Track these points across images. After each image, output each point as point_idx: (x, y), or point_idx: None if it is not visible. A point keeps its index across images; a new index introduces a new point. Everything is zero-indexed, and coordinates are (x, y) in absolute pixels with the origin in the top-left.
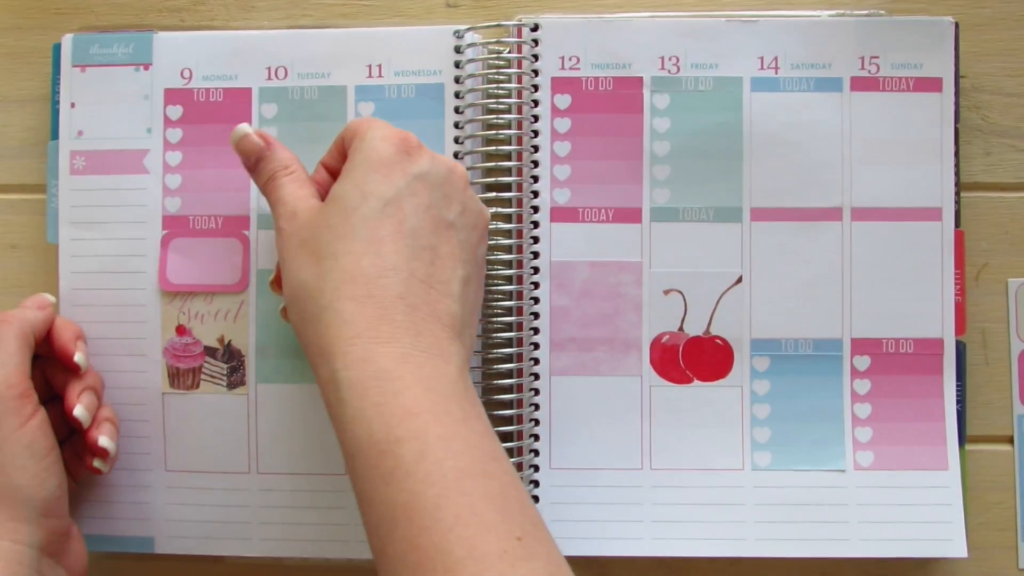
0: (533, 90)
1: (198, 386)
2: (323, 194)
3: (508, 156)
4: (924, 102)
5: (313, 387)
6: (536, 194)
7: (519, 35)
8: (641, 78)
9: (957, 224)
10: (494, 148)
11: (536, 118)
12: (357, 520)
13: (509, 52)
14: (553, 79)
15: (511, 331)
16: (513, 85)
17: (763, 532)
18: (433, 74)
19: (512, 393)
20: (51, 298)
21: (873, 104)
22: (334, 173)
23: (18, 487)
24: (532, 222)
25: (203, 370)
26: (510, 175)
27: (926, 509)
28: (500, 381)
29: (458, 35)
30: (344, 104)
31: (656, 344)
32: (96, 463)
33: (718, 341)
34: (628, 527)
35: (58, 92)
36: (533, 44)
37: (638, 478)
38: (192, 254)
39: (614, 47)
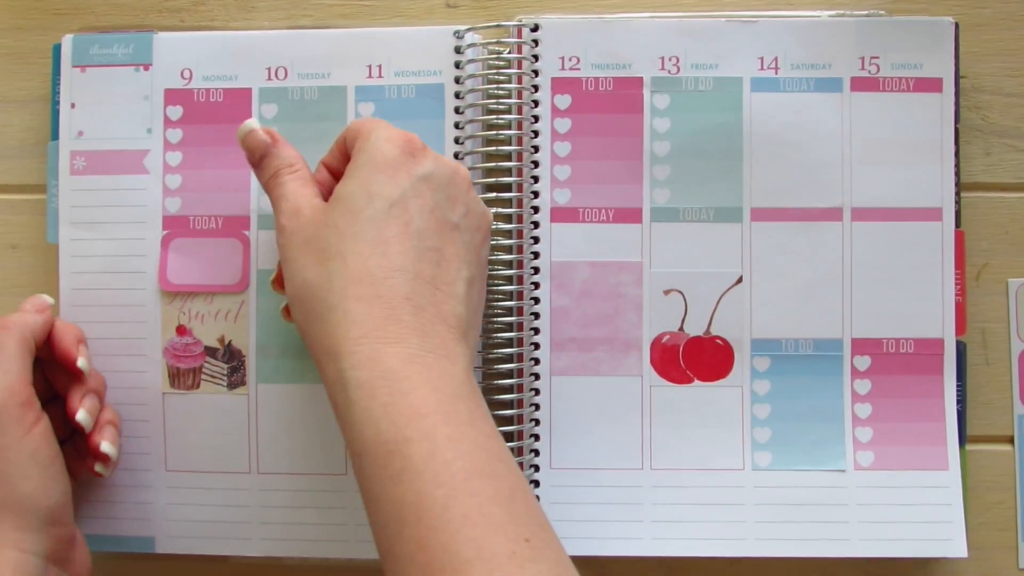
0: (533, 90)
1: (198, 386)
2: (325, 194)
3: (508, 156)
4: (924, 102)
5: (313, 387)
6: (536, 194)
7: (519, 35)
8: (641, 78)
9: (957, 224)
10: (494, 148)
11: (536, 118)
12: (357, 520)
13: (509, 52)
14: (553, 79)
15: (511, 331)
16: (513, 85)
17: (763, 532)
18: (433, 74)
19: (512, 393)
20: (49, 300)
21: (873, 104)
22: (335, 173)
23: (23, 496)
24: (532, 222)
25: (203, 370)
26: (510, 175)
27: (926, 509)
28: (500, 381)
29: (458, 35)
30: (344, 104)
31: (656, 344)
32: (98, 467)
33: (718, 341)
34: (628, 527)
35: (58, 92)
36: (533, 44)
37: (638, 478)
38: (192, 254)
39: (614, 47)
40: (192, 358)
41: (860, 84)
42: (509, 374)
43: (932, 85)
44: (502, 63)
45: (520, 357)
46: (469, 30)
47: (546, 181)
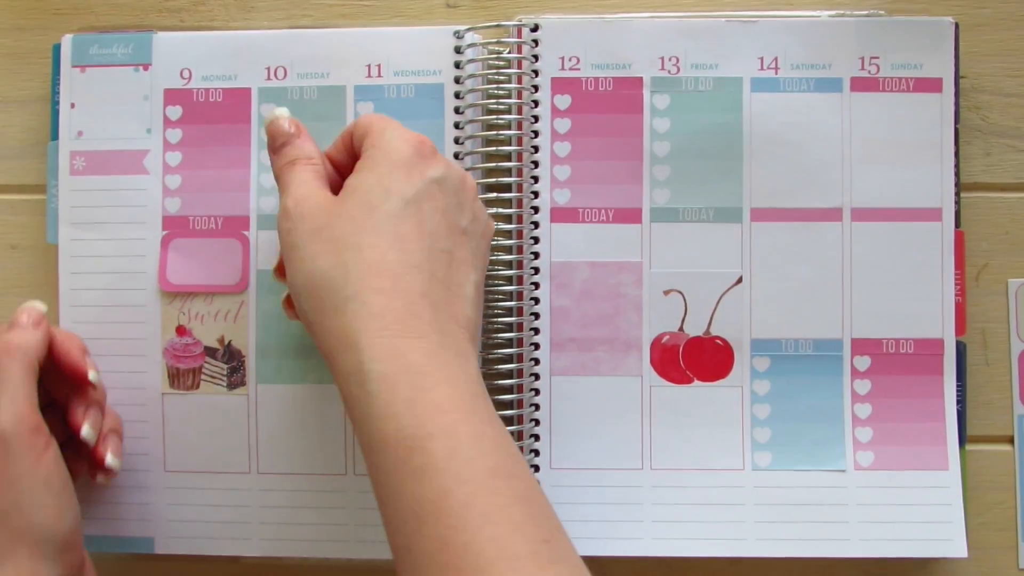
0: (533, 90)
1: (198, 386)
2: (330, 186)
3: (508, 156)
4: (924, 102)
5: (313, 387)
6: (536, 194)
7: (519, 35)
8: (641, 78)
9: (957, 224)
10: (494, 148)
11: (536, 118)
12: (357, 520)
13: (509, 52)
14: (553, 79)
15: (511, 331)
16: (513, 85)
17: (763, 532)
18: (433, 74)
19: (512, 393)
20: (43, 307)
21: (873, 104)
22: (338, 165)
23: (38, 526)
24: (532, 222)
25: (203, 370)
26: (510, 175)
27: (926, 509)
28: (500, 381)
29: (458, 35)
30: (343, 104)
31: (656, 344)
32: (100, 479)
33: (718, 341)
34: (628, 527)
35: (58, 92)
36: (533, 44)
37: (638, 478)
38: (192, 254)
39: (614, 47)
40: (192, 358)
41: (860, 84)
42: (509, 374)
43: (932, 85)
44: (502, 63)
45: (520, 357)
46: (469, 30)
47: (546, 181)
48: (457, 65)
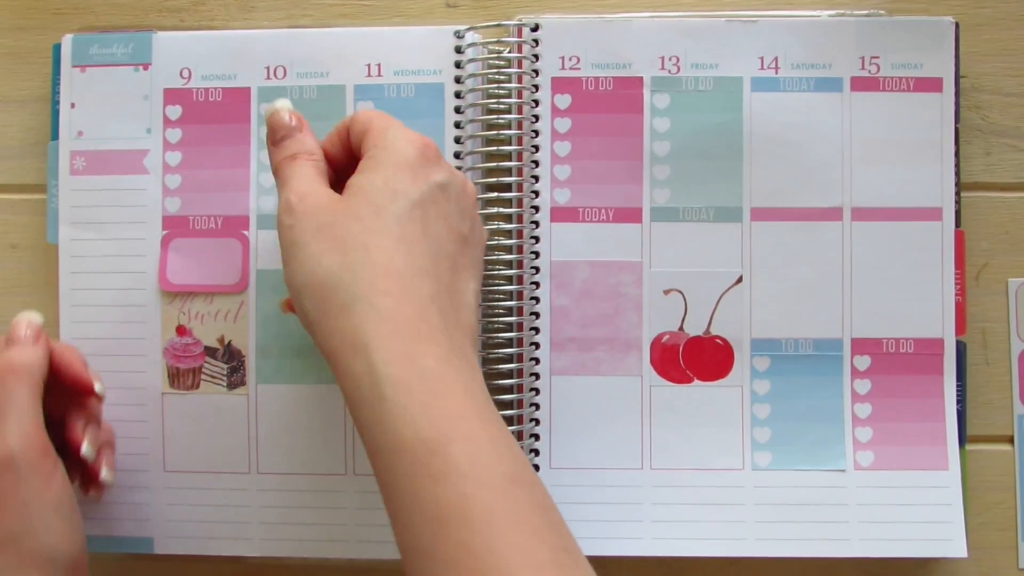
0: (533, 90)
1: (198, 386)
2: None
3: (508, 156)
4: (924, 102)
5: (313, 387)
6: (536, 194)
7: (519, 35)
8: (641, 78)
9: (957, 224)
10: (494, 148)
11: (536, 118)
12: (357, 520)
13: (509, 52)
14: (553, 79)
15: (511, 331)
16: (513, 85)
17: (763, 532)
18: (433, 74)
19: (512, 393)
20: (40, 317)
21: (873, 104)
22: (332, 161)
23: (48, 548)
24: (532, 222)
25: (203, 370)
26: (510, 175)
27: (926, 509)
28: (500, 381)
29: (458, 35)
30: (343, 103)
31: (656, 344)
32: (92, 493)
33: (718, 341)
34: (628, 527)
35: (58, 92)
36: (533, 44)
37: (638, 478)
38: (192, 254)
39: (614, 47)
40: (192, 358)
41: (860, 84)
42: (509, 374)
43: (932, 85)
44: (502, 63)
45: (520, 357)
46: (469, 30)
47: (546, 181)
48: (457, 65)
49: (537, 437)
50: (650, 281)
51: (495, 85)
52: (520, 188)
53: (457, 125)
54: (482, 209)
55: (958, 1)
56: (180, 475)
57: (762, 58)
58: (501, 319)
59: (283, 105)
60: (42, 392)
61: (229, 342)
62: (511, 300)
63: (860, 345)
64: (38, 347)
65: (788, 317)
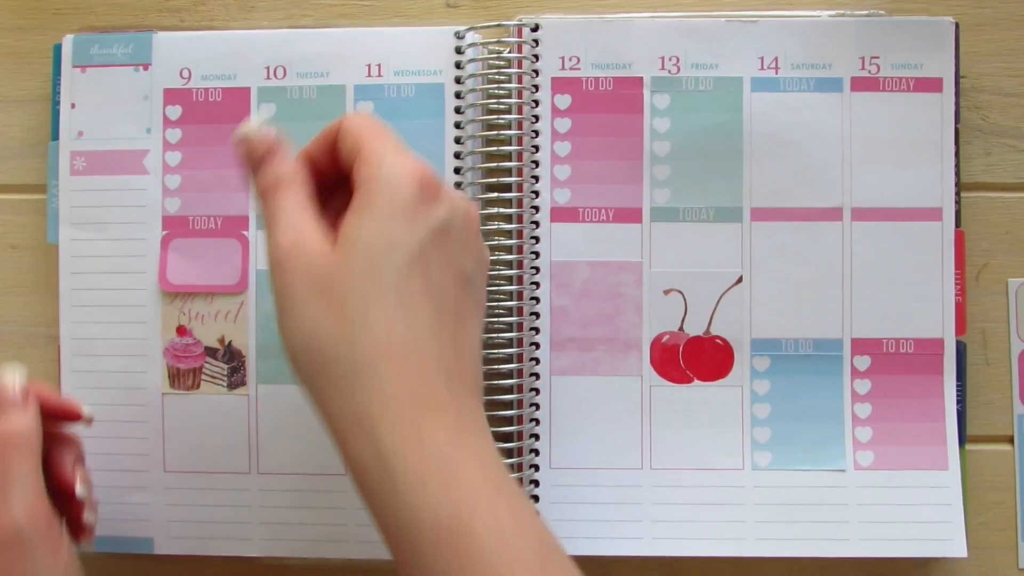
0: (533, 90)
1: (198, 386)
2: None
3: (508, 156)
4: (924, 102)
5: None
6: (536, 194)
7: (519, 35)
8: (641, 78)
9: (957, 224)
10: (494, 148)
11: (536, 118)
12: (357, 520)
13: (509, 52)
14: (553, 79)
15: (511, 331)
16: (513, 85)
17: (763, 532)
18: (433, 74)
19: (512, 393)
20: (23, 374)
21: (873, 104)
22: (319, 167)
23: None
24: (532, 222)
25: (203, 370)
26: (510, 175)
27: (926, 509)
28: (500, 381)
29: (458, 35)
30: (343, 103)
31: (656, 344)
32: (83, 542)
33: (718, 341)
34: (628, 527)
35: (58, 92)
36: (533, 44)
37: (638, 478)
38: (192, 254)
39: (614, 47)
40: (192, 358)
41: (860, 84)
42: (509, 374)
43: (932, 85)
44: (502, 63)
45: (520, 357)
46: (469, 30)
47: (546, 181)
48: (457, 65)
49: (537, 437)
50: (650, 281)
51: (495, 85)
52: (520, 188)
53: (457, 125)
54: (482, 209)
55: (958, 1)
56: (180, 475)
57: (762, 58)
58: (501, 319)
59: (254, 125)
60: (41, 456)
61: (229, 342)
62: (511, 300)
63: (860, 345)
64: (30, 409)
65: (788, 317)
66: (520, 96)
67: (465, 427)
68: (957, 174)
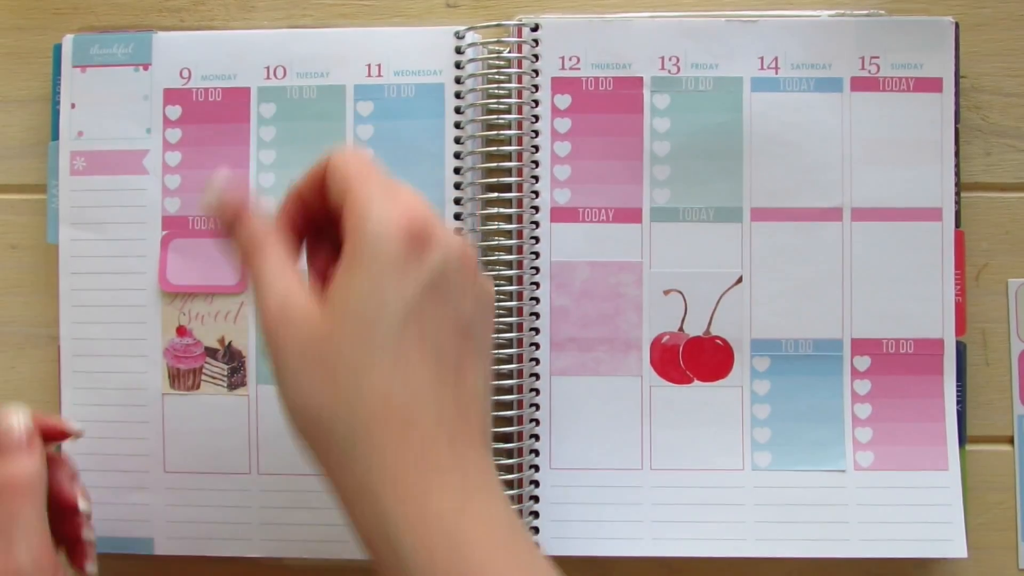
0: (533, 90)
1: (199, 387)
2: (300, 234)
3: (508, 156)
4: (924, 102)
5: None
6: (536, 194)
7: (519, 35)
8: (641, 78)
9: (957, 224)
10: (494, 148)
11: (536, 118)
12: None
13: (509, 52)
14: (553, 79)
15: (511, 331)
16: (513, 85)
17: (763, 532)
18: (433, 74)
19: (512, 393)
20: (27, 417)
21: (873, 104)
22: (310, 206)
23: None
24: (532, 222)
25: (204, 371)
26: (510, 175)
27: (926, 509)
28: (500, 381)
29: (458, 35)
30: (343, 103)
31: (656, 344)
32: (88, 568)
33: (718, 341)
34: (628, 527)
35: (58, 92)
36: (533, 44)
37: (638, 478)
38: (192, 254)
39: (614, 47)
40: (192, 359)
41: (860, 84)
42: (509, 374)
43: (932, 85)
44: (502, 63)
45: (520, 357)
46: (469, 30)
47: (546, 181)
48: (457, 65)
49: (537, 437)
50: (650, 281)
51: (495, 85)
52: (520, 188)
53: (457, 125)
54: (482, 209)
55: (958, 1)
56: (180, 476)
57: (762, 58)
58: (501, 319)
59: (218, 184)
60: (46, 499)
61: (230, 343)
62: (511, 300)
63: (860, 345)
64: (35, 452)
65: (788, 317)
66: (520, 96)
67: (472, 488)
68: (957, 174)
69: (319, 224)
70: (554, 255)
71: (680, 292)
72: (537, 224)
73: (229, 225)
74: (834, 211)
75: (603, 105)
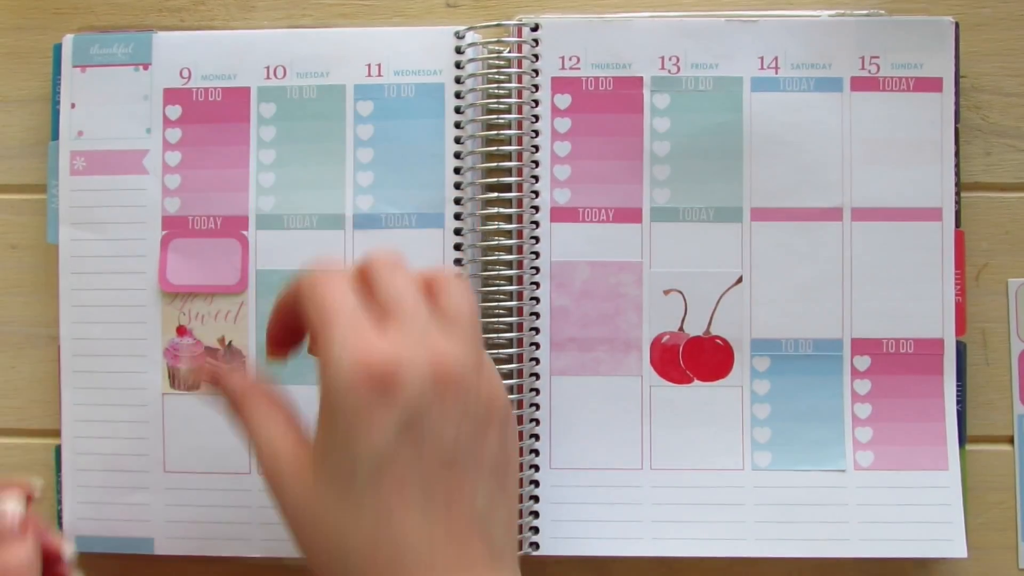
0: (533, 90)
1: (199, 387)
2: (295, 341)
3: (508, 156)
4: (924, 102)
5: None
6: (536, 194)
7: (519, 35)
8: (641, 78)
9: (957, 224)
10: (494, 148)
11: (536, 118)
12: None
13: (509, 52)
14: (553, 79)
15: (511, 331)
16: (513, 85)
17: (763, 532)
18: (433, 74)
19: (512, 393)
20: (21, 506)
21: (873, 104)
22: (296, 323)
23: None
24: (532, 222)
25: None
26: (510, 175)
27: (926, 509)
28: None
29: (458, 35)
30: (343, 103)
31: (656, 344)
32: None
33: (718, 341)
34: (628, 527)
35: (58, 92)
36: (533, 44)
37: (638, 478)
38: (192, 254)
39: (614, 47)
40: (192, 359)
41: (860, 84)
42: (509, 374)
43: (932, 85)
44: (502, 63)
45: (520, 357)
46: (469, 30)
47: (546, 181)
48: (457, 65)
49: (537, 437)
50: (650, 281)
51: (495, 85)
52: (520, 188)
53: (457, 125)
54: (482, 209)
55: (958, 1)
56: (180, 475)
57: (762, 58)
58: (501, 319)
59: (184, 364)
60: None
61: (230, 343)
62: (511, 300)
63: (860, 345)
64: (28, 541)
65: (788, 317)
66: (520, 96)
67: None
68: (957, 174)
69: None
70: (554, 255)
71: (680, 292)
72: (537, 224)
73: (215, 373)
74: (834, 211)
75: (603, 105)
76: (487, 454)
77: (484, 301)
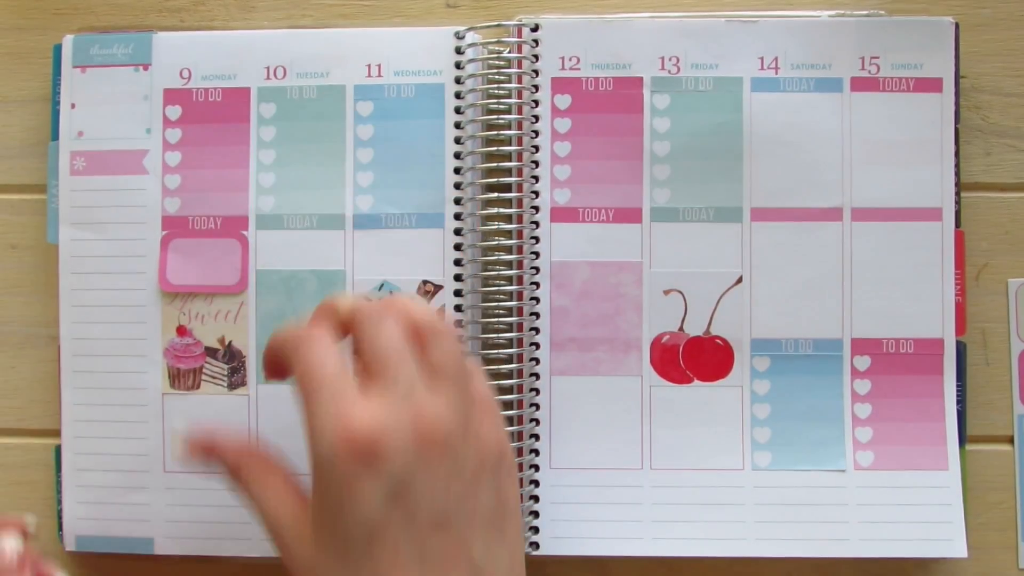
0: (533, 90)
1: (199, 387)
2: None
3: (508, 156)
4: (924, 102)
5: None
6: (536, 194)
7: (519, 35)
8: (641, 78)
9: (957, 224)
10: (494, 148)
11: (536, 118)
12: None
13: (509, 52)
14: (553, 79)
15: (511, 331)
16: (513, 85)
17: (763, 532)
18: (433, 74)
19: (512, 393)
20: (19, 544)
21: (873, 104)
22: (284, 365)
23: None
24: (532, 222)
25: (204, 371)
26: (510, 175)
27: (926, 509)
28: (500, 381)
29: (458, 35)
30: (343, 103)
31: (656, 344)
32: None
33: (718, 341)
34: (628, 527)
35: (58, 93)
36: (533, 44)
37: (638, 478)
38: (192, 254)
39: (614, 47)
40: (192, 359)
41: (860, 84)
42: (509, 374)
43: (932, 85)
44: (502, 63)
45: (520, 357)
46: (469, 30)
47: (546, 181)
48: (457, 65)
49: (537, 437)
50: (650, 281)
51: (495, 85)
52: (520, 188)
53: (457, 125)
54: (482, 209)
55: (958, 1)
56: (180, 475)
57: (762, 58)
58: (501, 319)
59: (182, 431)
60: None
61: (230, 342)
62: (511, 300)
63: (860, 345)
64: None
65: (788, 317)
66: (520, 96)
67: None
68: (957, 174)
69: None
70: (554, 255)
71: (680, 292)
72: (537, 224)
73: (210, 447)
74: (834, 211)
75: (603, 105)
76: (480, 507)
77: (484, 301)
